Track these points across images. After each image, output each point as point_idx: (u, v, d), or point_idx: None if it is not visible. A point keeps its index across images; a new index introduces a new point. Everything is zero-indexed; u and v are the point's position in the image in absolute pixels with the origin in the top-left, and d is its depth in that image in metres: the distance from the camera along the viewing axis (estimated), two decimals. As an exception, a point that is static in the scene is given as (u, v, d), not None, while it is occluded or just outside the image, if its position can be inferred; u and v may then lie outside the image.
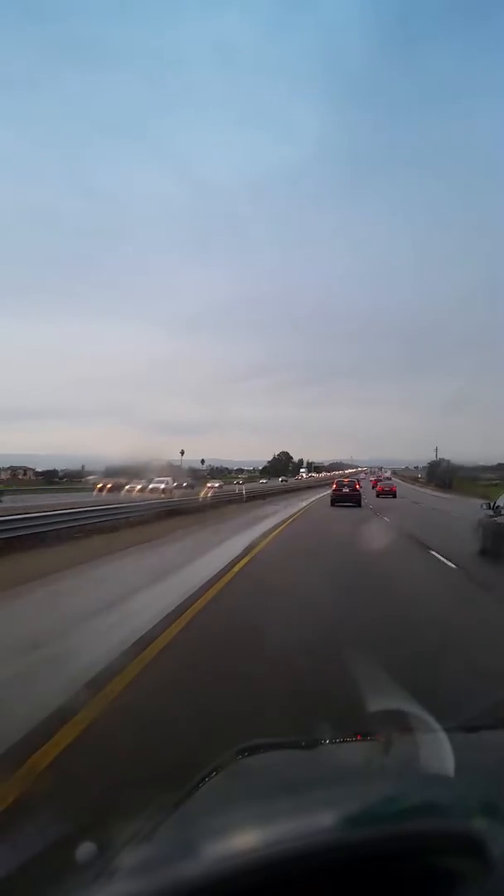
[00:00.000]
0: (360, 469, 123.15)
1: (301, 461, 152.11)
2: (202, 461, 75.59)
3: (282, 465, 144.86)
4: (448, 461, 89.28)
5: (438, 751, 1.15)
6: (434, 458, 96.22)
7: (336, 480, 36.77)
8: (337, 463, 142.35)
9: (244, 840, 0.84)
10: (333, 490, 32.44)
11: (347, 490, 31.81)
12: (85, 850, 0.92)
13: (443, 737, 1.23)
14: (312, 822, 0.88)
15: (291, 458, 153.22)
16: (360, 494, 31.54)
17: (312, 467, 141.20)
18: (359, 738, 1.61)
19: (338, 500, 30.59)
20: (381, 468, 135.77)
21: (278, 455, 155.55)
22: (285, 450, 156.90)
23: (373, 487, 53.67)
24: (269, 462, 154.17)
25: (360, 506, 29.45)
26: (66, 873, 0.91)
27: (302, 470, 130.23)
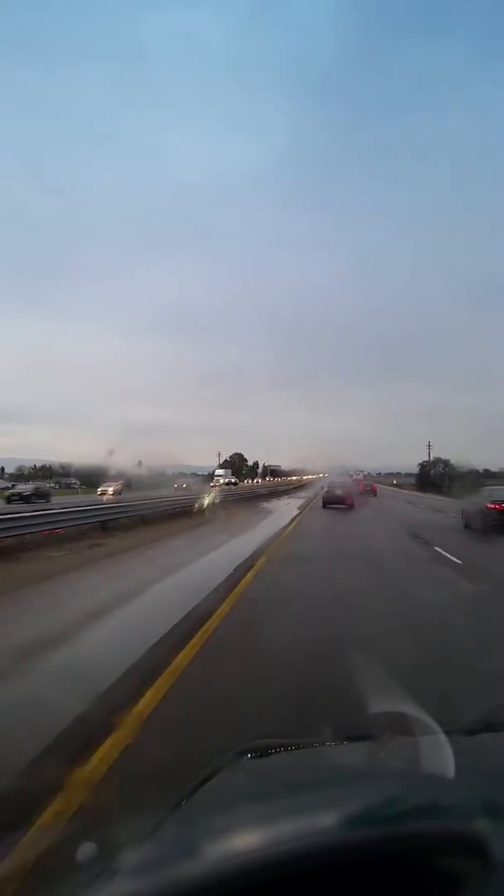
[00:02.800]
0: (322, 475, 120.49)
1: (256, 464, 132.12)
2: (139, 463, 58.44)
3: (235, 468, 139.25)
4: (447, 461, 74.02)
5: (439, 754, 1.16)
6: (427, 459, 79.74)
7: (329, 482, 35.67)
8: (300, 468, 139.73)
9: (245, 840, 0.84)
10: (325, 492, 31.74)
11: (340, 492, 30.67)
12: (85, 850, 0.91)
13: (444, 739, 1.24)
14: (313, 822, 0.88)
15: (246, 460, 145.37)
16: (353, 497, 30.48)
17: (268, 471, 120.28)
18: (360, 740, 1.62)
19: (330, 501, 29.77)
20: (359, 472, 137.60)
21: (231, 457, 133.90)
22: (254, 457, 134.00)
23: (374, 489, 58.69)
24: (219, 466, 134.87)
25: (352, 508, 28.21)
26: (66, 873, 0.89)
27: (219, 472, 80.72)
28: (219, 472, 78.91)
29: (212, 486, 49.41)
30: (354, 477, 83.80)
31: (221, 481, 64.89)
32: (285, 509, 29.11)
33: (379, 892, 0.77)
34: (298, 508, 29.45)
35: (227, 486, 53.91)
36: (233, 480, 72.44)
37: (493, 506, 17.79)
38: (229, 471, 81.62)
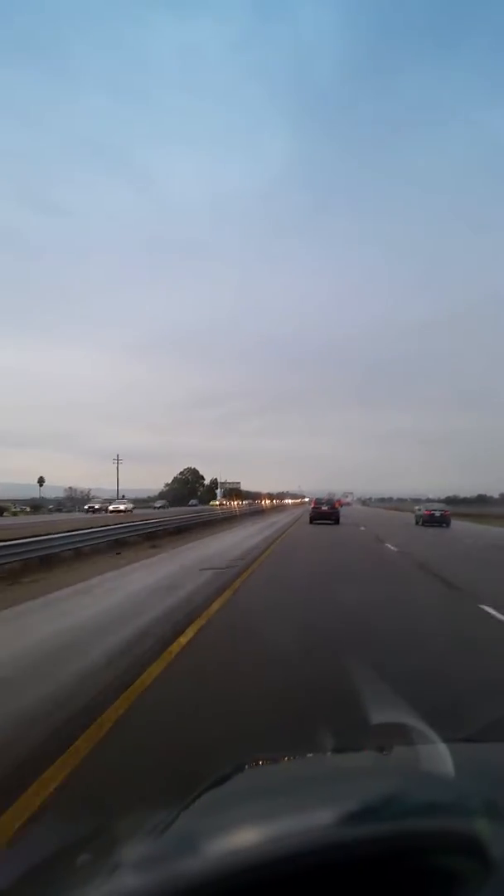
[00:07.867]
0: (305, 499, 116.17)
1: (214, 481, 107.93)
2: (40, 480, 48.12)
3: (188, 487, 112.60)
4: None
5: (439, 763, 1.17)
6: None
7: (315, 500, 38.32)
8: (283, 493, 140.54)
9: (245, 837, 0.86)
10: (313, 507, 35.03)
11: (326, 508, 33.88)
12: (87, 846, 0.95)
13: (443, 748, 1.25)
14: (313, 819, 0.90)
15: (202, 477, 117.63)
16: (338, 513, 34.14)
17: (224, 489, 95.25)
18: (360, 750, 1.61)
19: (317, 517, 32.91)
20: (345, 495, 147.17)
21: (182, 473, 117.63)
22: (237, 480, 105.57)
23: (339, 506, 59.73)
24: (167, 485, 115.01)
25: (338, 523, 31.76)
26: (67, 869, 0.91)
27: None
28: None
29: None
30: (342, 500, 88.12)
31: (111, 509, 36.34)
32: None
33: (378, 891, 0.77)
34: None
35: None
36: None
37: (426, 512, 34.84)
38: (222, 492, 42.95)
